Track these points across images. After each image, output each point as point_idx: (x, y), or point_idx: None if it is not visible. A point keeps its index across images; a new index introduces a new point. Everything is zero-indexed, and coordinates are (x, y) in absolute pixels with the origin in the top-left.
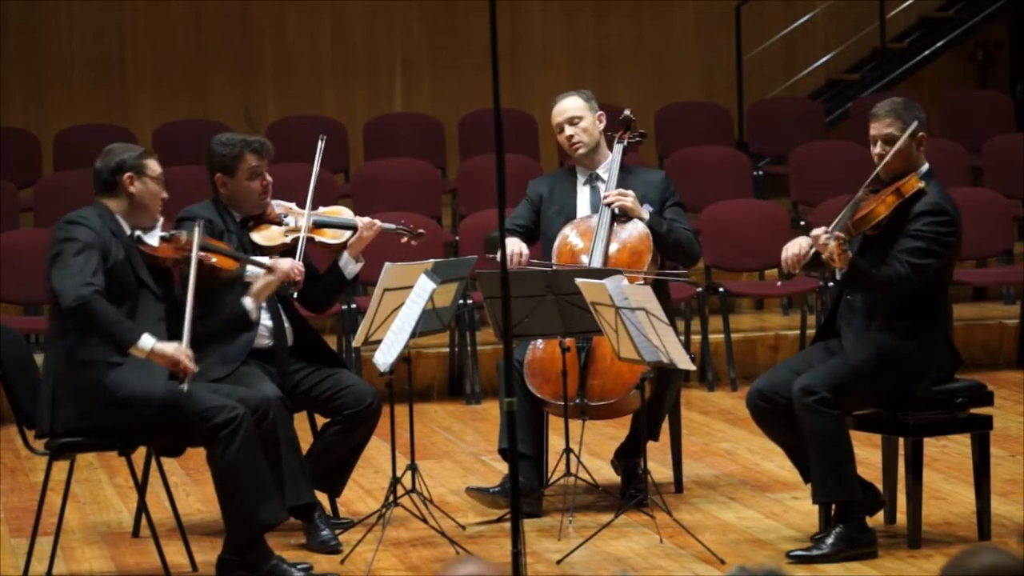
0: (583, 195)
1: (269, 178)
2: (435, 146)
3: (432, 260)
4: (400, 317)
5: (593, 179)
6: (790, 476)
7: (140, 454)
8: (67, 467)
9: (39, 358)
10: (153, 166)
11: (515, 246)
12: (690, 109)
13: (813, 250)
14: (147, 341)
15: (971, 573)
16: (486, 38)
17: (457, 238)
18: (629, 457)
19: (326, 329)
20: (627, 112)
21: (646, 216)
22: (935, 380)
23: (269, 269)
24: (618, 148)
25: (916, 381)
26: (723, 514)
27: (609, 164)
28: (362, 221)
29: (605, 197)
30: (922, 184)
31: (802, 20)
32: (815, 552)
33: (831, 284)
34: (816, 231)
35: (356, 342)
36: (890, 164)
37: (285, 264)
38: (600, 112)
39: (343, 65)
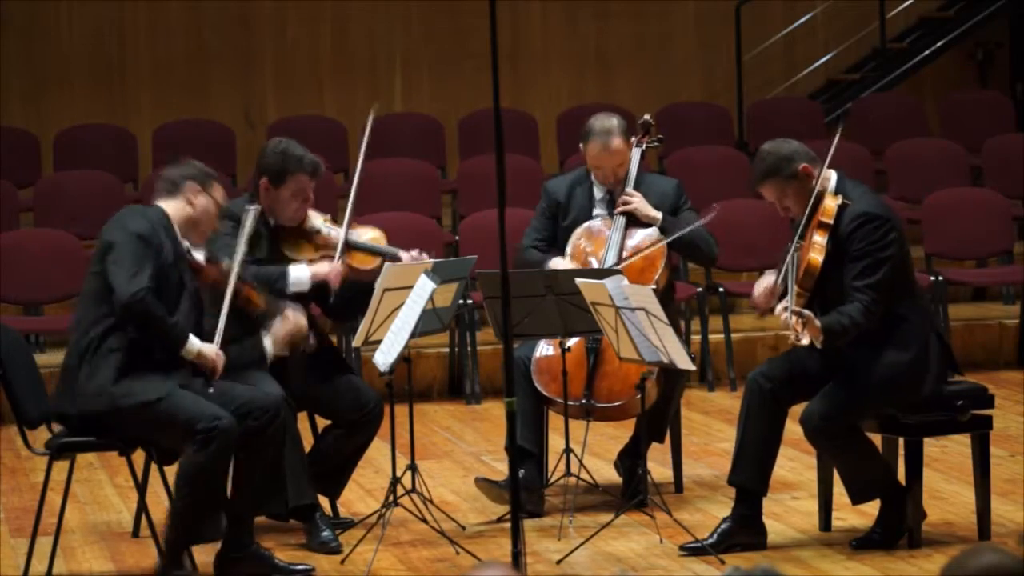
0: (600, 209)
1: (311, 196)
2: (435, 146)
3: (432, 260)
4: (400, 317)
5: (612, 193)
6: (790, 476)
7: (140, 454)
8: (67, 467)
9: (39, 358)
10: (219, 190)
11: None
12: (690, 109)
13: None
14: (195, 343)
15: (971, 573)
16: (486, 38)
17: (457, 238)
18: (633, 458)
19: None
20: (647, 117)
21: (658, 217)
22: (938, 377)
23: (283, 314)
24: (636, 152)
25: (921, 385)
26: (723, 514)
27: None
28: (406, 254)
29: (619, 202)
30: (839, 199)
31: (802, 20)
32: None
33: None
34: (777, 310)
35: (356, 342)
36: (796, 211)
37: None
38: (632, 139)
39: (343, 65)
